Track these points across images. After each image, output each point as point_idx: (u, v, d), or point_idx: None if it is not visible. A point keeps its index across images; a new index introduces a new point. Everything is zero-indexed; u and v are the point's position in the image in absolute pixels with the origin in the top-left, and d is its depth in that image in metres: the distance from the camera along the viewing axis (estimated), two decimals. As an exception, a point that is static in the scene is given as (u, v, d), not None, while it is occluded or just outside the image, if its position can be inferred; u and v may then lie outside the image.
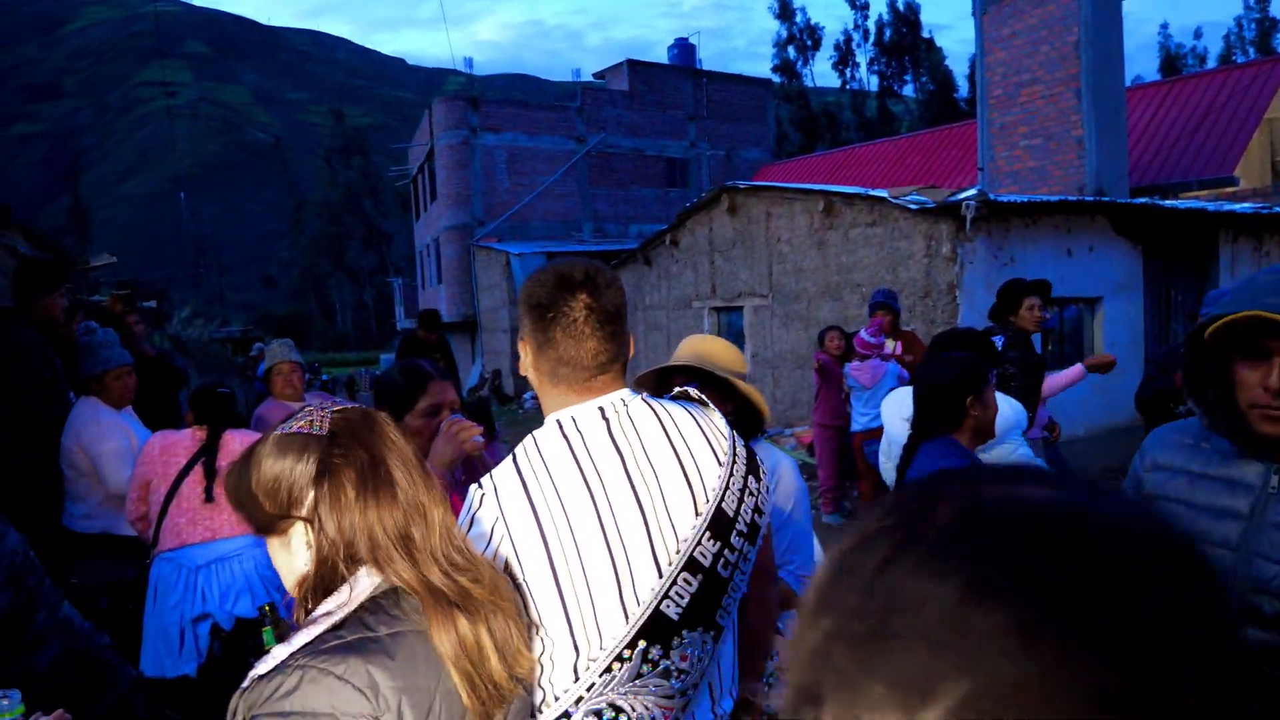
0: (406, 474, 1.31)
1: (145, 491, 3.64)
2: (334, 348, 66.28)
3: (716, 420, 1.70)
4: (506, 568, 1.53)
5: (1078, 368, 4.82)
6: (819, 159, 26.06)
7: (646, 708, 1.51)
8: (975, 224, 7.51)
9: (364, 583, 1.26)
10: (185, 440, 3.72)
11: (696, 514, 1.58)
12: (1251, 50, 57.96)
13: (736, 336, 11.67)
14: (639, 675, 1.52)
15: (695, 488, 1.60)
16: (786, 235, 9.97)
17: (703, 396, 1.77)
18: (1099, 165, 12.34)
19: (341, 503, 1.25)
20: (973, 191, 7.36)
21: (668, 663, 1.53)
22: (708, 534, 1.57)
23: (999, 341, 5.06)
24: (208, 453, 3.67)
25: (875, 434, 6.04)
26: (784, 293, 10.14)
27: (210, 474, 3.61)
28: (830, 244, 9.24)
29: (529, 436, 1.62)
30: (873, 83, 60.03)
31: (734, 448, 1.67)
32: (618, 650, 1.51)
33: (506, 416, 19.52)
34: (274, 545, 1.32)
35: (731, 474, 1.63)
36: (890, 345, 6.63)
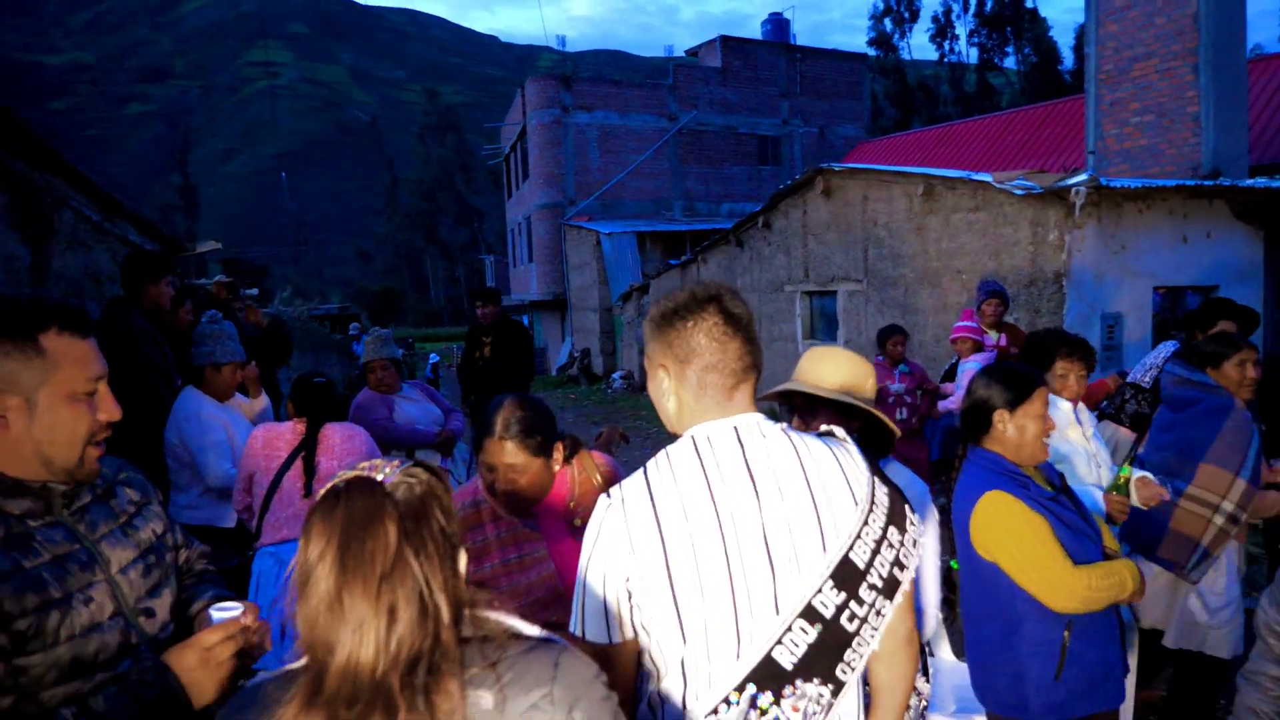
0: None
1: (249, 484, 3.69)
2: (427, 323, 67.77)
3: (857, 463, 1.64)
4: (625, 588, 1.51)
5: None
6: (915, 135, 25.41)
7: None
8: (1085, 210, 7.27)
9: None
10: (287, 434, 3.74)
11: (823, 563, 1.53)
12: (1389, 15, 53.97)
13: (829, 322, 11.56)
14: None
15: (826, 533, 1.54)
16: (884, 219, 9.81)
17: (845, 435, 1.72)
18: (1216, 143, 11.76)
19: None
20: (1083, 176, 7.11)
21: (777, 711, 1.49)
22: (830, 583, 1.52)
23: (1169, 348, 4.83)
24: (307, 447, 3.68)
25: None
26: (880, 278, 10.00)
27: (309, 469, 3.64)
28: (930, 229, 9.06)
29: (662, 452, 1.59)
30: (972, 55, 58.09)
31: (873, 495, 1.61)
32: (725, 692, 1.49)
33: (596, 396, 19.77)
34: None
35: (866, 524, 1.57)
36: (994, 337, 6.49)
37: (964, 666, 2.86)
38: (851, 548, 1.55)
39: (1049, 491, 2.57)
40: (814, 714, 1.51)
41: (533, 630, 1.24)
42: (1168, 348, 4.84)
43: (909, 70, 55.38)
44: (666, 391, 1.63)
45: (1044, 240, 7.65)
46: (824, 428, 1.74)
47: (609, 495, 1.57)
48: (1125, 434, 4.61)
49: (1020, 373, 2.60)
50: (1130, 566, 2.53)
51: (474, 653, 1.17)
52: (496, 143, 34.24)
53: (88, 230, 5.57)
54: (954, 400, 6.18)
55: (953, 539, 2.70)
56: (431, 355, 26.61)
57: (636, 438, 12.65)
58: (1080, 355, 3.51)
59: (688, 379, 1.59)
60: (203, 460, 3.88)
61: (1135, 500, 3.36)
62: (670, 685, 1.54)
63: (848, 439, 1.70)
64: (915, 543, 1.64)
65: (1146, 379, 4.74)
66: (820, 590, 1.51)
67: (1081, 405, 3.63)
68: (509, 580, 2.27)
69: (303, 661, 1.12)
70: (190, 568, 1.86)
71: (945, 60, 58.72)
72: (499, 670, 1.16)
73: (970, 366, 6.26)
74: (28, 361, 1.42)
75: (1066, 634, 2.45)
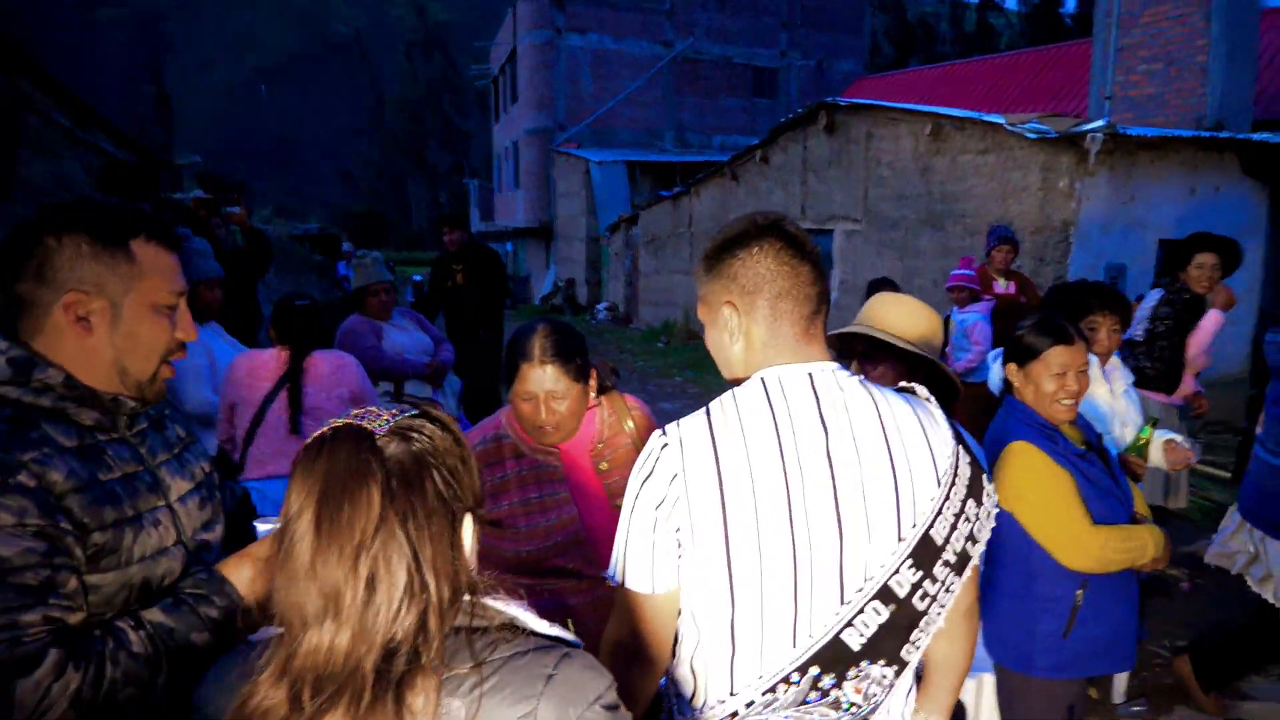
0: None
1: (230, 414, 3.51)
2: (408, 246, 66.93)
3: (942, 429, 1.48)
4: (675, 537, 1.37)
5: (1213, 313, 4.50)
6: (915, 74, 24.95)
7: None
8: (1099, 158, 7.08)
9: None
10: (270, 362, 3.52)
11: (900, 539, 1.39)
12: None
13: (824, 261, 11.37)
14: (804, 701, 1.38)
15: (904, 507, 1.39)
16: (888, 157, 9.57)
17: (928, 394, 1.56)
18: (1222, 95, 11.54)
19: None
20: (1100, 123, 6.91)
21: (839, 693, 1.39)
22: (909, 562, 1.39)
23: (1155, 296, 4.77)
24: (292, 378, 3.47)
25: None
26: (880, 219, 9.79)
27: (296, 402, 3.45)
28: (936, 170, 8.84)
29: (728, 393, 1.42)
30: (973, -7, 56.95)
31: (956, 465, 1.45)
32: (786, 672, 1.37)
33: (580, 327, 19.53)
34: None
35: (948, 498, 1.43)
36: (1004, 284, 6.35)
37: None
38: (932, 525, 1.40)
39: (1079, 448, 2.49)
40: (875, 695, 1.42)
41: (542, 626, 1.06)
42: (1154, 296, 4.75)
43: (909, 7, 54.29)
44: (735, 331, 1.45)
45: (1054, 187, 7.47)
46: (903, 384, 1.58)
47: (664, 433, 1.41)
48: (1157, 399, 4.54)
49: (1039, 329, 2.49)
50: (1154, 532, 2.46)
51: (462, 646, 1.00)
52: (485, 63, 33.35)
53: (57, 137, 5.27)
54: (969, 358, 6.04)
55: None
56: (415, 275, 26.07)
57: (624, 371, 12.53)
58: (1113, 308, 3.39)
59: (758, 311, 1.43)
60: (180, 386, 3.65)
61: (1158, 462, 3.28)
62: (714, 653, 1.40)
63: (931, 399, 1.54)
64: (990, 515, 1.50)
65: (1140, 332, 4.65)
66: (898, 571, 1.38)
67: (1114, 362, 3.52)
68: (528, 521, 2.13)
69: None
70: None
71: (945, -2, 57.56)
72: (483, 673, 0.99)
73: (971, 319, 6.13)
74: (115, 266, 1.38)
75: (1080, 593, 2.40)
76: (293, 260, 20.63)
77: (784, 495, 1.34)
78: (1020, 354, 2.51)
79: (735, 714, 1.39)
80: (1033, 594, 2.45)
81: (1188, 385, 4.35)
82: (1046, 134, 7.25)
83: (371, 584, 0.94)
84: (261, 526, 1.55)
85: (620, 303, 19.99)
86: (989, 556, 2.57)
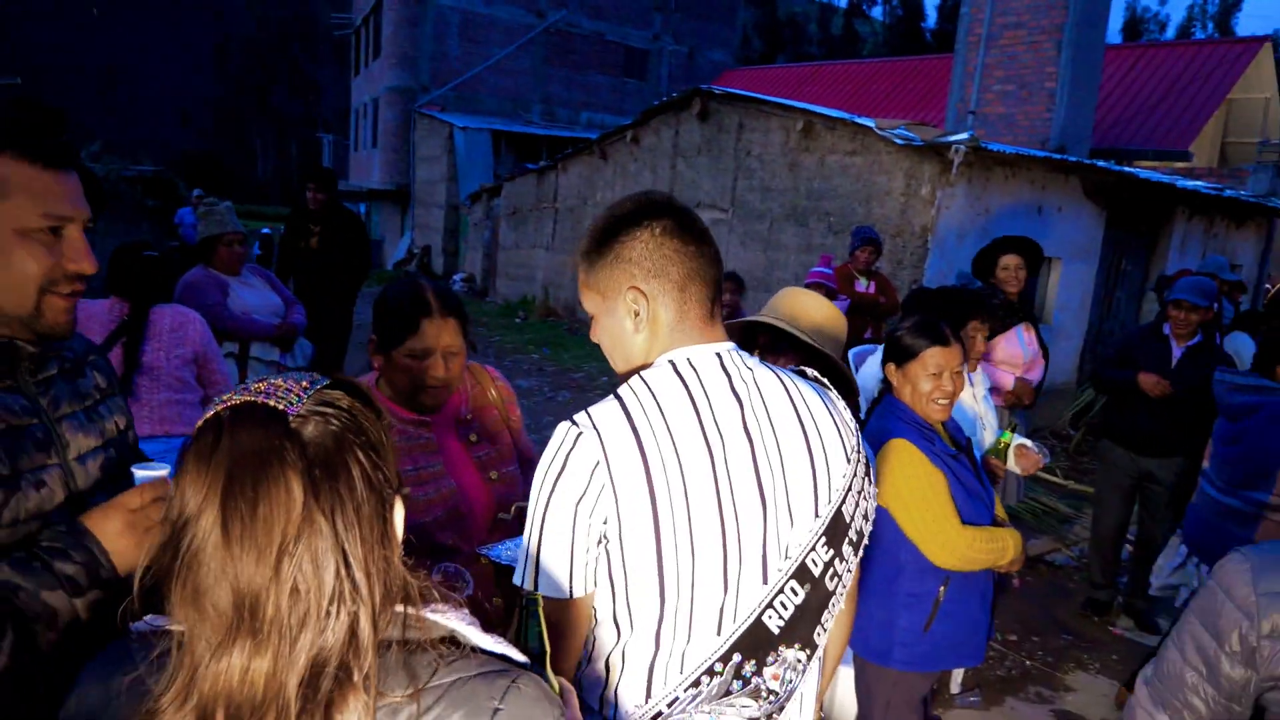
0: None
1: None
2: (251, 199, 63.26)
3: (845, 410, 1.47)
4: (600, 530, 1.26)
5: (1010, 379, 4.61)
6: (783, 70, 25.48)
7: None
8: (960, 169, 7.34)
9: None
10: (101, 314, 3.22)
11: (816, 515, 1.36)
12: (1211, 25, 58.60)
13: (688, 247, 11.40)
14: (727, 693, 1.30)
15: (820, 483, 1.36)
16: (758, 150, 9.64)
17: (824, 380, 1.52)
18: (1066, 121, 12.29)
19: None
20: (964, 136, 7.16)
21: (759, 680, 1.33)
22: (823, 539, 1.36)
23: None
24: (130, 332, 3.18)
25: None
26: (747, 210, 9.88)
27: (131, 360, 3.16)
28: (804, 166, 8.97)
29: (635, 378, 1.33)
30: (842, -1, 58.80)
31: (860, 443, 1.46)
32: (710, 663, 1.29)
33: (435, 294, 19.00)
34: None
35: (856, 473, 1.42)
36: (865, 284, 6.49)
37: None
38: (844, 500, 1.38)
39: (952, 450, 2.56)
40: (791, 681, 1.38)
41: (486, 641, 0.90)
42: None
43: (780, 4, 55.49)
44: (642, 319, 1.34)
45: (916, 194, 7.70)
46: (798, 368, 1.53)
47: (575, 422, 1.29)
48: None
49: (917, 330, 2.54)
50: (1014, 535, 2.57)
51: (395, 667, 0.84)
52: (347, 12, 31.80)
53: None
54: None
55: None
56: (263, 228, 24.43)
57: (481, 345, 12.21)
58: (987, 316, 3.49)
59: (667, 295, 1.33)
60: None
61: (1013, 466, 3.39)
62: (637, 648, 1.29)
63: (829, 385, 1.51)
64: (874, 496, 1.52)
65: None
66: (814, 548, 1.34)
67: (979, 367, 3.62)
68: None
69: (179, 626, 0.82)
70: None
71: (815, 0, 59.15)
72: (421, 702, 0.83)
73: None
74: None
75: (942, 589, 2.48)
76: (125, 205, 19.00)
77: (710, 475, 1.27)
78: (898, 354, 2.55)
79: (659, 715, 1.30)
80: (896, 589, 2.51)
81: (1005, 381, 4.49)
82: (914, 141, 7.45)
83: (295, 593, 0.79)
84: (139, 473, 1.35)
85: (478, 274, 19.52)
86: None
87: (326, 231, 6.23)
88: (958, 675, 4.02)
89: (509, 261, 17.14)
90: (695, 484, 1.26)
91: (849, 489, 1.40)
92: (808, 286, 6.48)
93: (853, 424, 1.46)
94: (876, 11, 57.97)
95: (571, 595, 1.28)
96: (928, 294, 4.05)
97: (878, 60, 24.23)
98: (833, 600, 1.40)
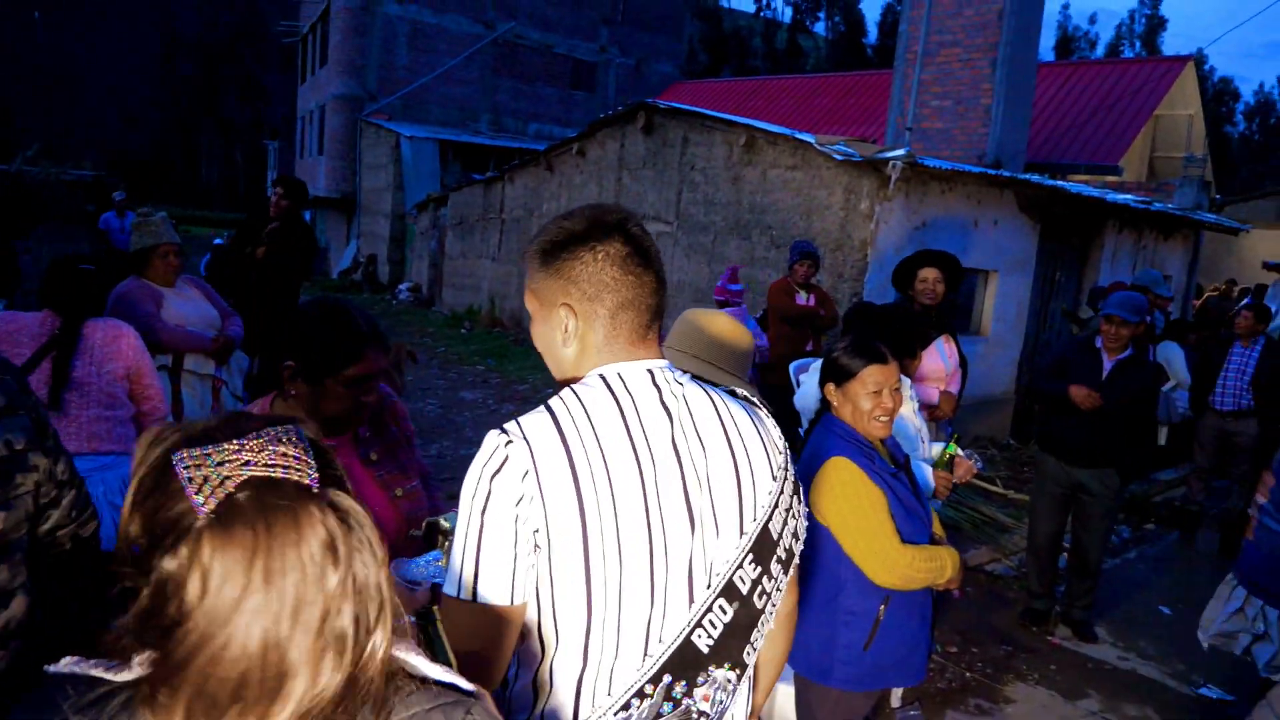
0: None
1: None
2: (196, 204, 61.88)
3: (773, 429, 1.50)
4: (534, 538, 1.26)
5: (935, 393, 4.65)
6: (729, 84, 25.70)
7: None
8: (897, 184, 7.47)
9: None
10: (32, 327, 3.14)
11: (742, 532, 1.38)
12: (1139, 44, 60.51)
13: (634, 259, 11.42)
14: (658, 716, 1.30)
15: (745, 499, 1.39)
16: (702, 164, 9.72)
17: (752, 397, 1.55)
18: (1001, 136, 12.58)
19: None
20: (901, 151, 7.29)
21: (690, 702, 1.33)
22: (750, 556, 1.37)
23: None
24: (60, 347, 3.11)
25: None
26: (691, 223, 9.94)
27: (61, 376, 3.08)
28: (746, 180, 9.05)
29: (566, 390, 1.35)
30: (787, 14, 59.49)
31: (786, 463, 1.48)
32: (640, 684, 1.28)
33: (380, 306, 18.78)
34: None
35: (783, 491, 1.45)
36: (804, 297, 6.56)
37: None
38: (770, 518, 1.39)
39: (892, 468, 2.58)
40: (721, 702, 1.38)
41: (435, 671, 0.91)
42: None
43: (725, 19, 56.02)
44: (570, 334, 1.37)
45: (855, 208, 7.81)
46: (730, 389, 1.55)
47: (504, 431, 1.29)
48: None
49: (855, 350, 2.57)
50: (952, 554, 2.59)
51: (357, 702, 0.84)
52: (295, 20, 31.38)
53: None
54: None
55: None
56: (216, 238, 23.71)
57: (423, 356, 12.08)
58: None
59: (597, 319, 1.35)
60: None
61: (956, 478, 3.46)
62: (565, 662, 1.29)
63: (759, 404, 1.54)
64: (805, 515, 1.54)
65: None
66: (741, 565, 1.35)
67: (907, 381, 3.68)
68: None
69: (131, 675, 0.80)
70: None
71: (761, 14, 59.85)
72: None
73: None
74: None
75: (882, 608, 2.48)
76: (62, 209, 18.39)
77: (639, 489, 1.28)
78: (837, 374, 2.58)
79: None
80: (837, 607, 2.50)
81: (931, 396, 4.56)
82: (852, 157, 7.57)
83: (323, 658, 0.80)
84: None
85: (424, 284, 19.33)
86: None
87: (277, 241, 6.09)
88: (898, 690, 4.05)
89: (455, 271, 17.02)
90: (623, 495, 1.27)
91: (775, 506, 1.42)
92: (717, 304, 6.77)
93: (781, 443, 1.49)
94: (820, 27, 58.80)
95: (513, 601, 1.27)
96: (869, 310, 4.11)
97: (820, 75, 24.59)
98: (762, 619, 1.40)
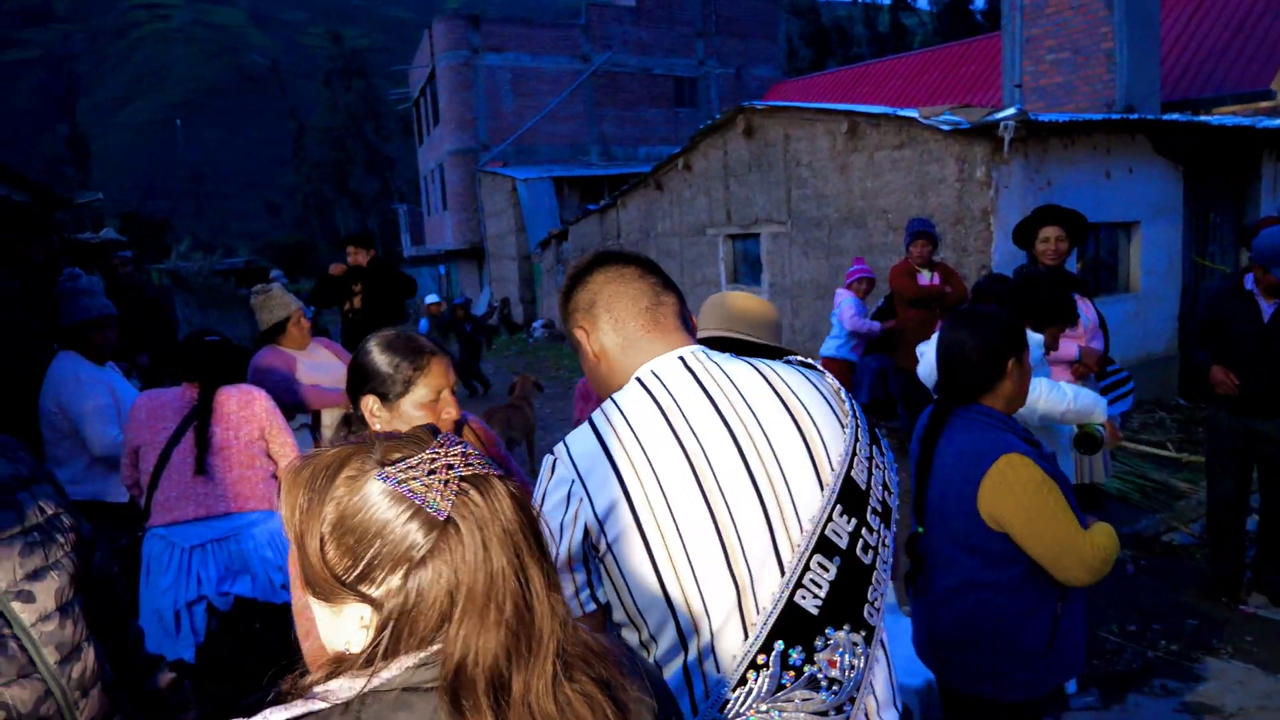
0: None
1: (135, 458, 3.29)
2: (338, 274, 65.70)
3: (830, 379, 1.49)
4: (586, 543, 1.33)
5: (1074, 346, 4.35)
6: (832, 76, 25.20)
7: None
8: (1013, 145, 7.07)
9: (386, 675, 0.86)
10: (174, 401, 3.33)
11: (821, 485, 1.35)
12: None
13: (753, 264, 11.30)
14: (780, 687, 1.26)
15: (816, 454, 1.37)
16: (807, 158, 9.51)
17: (809, 361, 1.55)
18: (1130, 80, 11.78)
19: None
20: (1011, 111, 6.89)
21: (813, 669, 1.29)
22: (839, 508, 1.34)
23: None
24: (199, 416, 3.27)
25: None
26: (803, 219, 9.73)
27: (202, 442, 3.24)
28: (854, 168, 8.79)
29: (607, 400, 1.44)
30: (885, -5, 57.96)
31: (854, 410, 1.45)
32: (751, 656, 1.26)
33: (517, 346, 19.30)
34: (318, 607, 0.94)
35: (857, 439, 1.41)
36: (928, 276, 6.29)
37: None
38: (851, 466, 1.38)
39: (1048, 449, 2.34)
40: (853, 667, 1.32)
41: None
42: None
43: (823, 11, 55.11)
44: (593, 349, 1.51)
45: (970, 177, 7.45)
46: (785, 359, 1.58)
47: (552, 451, 1.41)
48: None
49: (1009, 316, 2.37)
50: (1108, 530, 2.28)
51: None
52: (405, 87, 32.91)
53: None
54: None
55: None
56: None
57: (556, 387, 12.27)
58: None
59: (600, 321, 1.49)
60: (86, 427, 3.57)
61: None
62: (664, 652, 1.34)
63: (815, 365, 1.54)
64: (894, 465, 1.50)
65: None
66: (831, 518, 1.33)
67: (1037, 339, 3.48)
68: None
69: (342, 697, 0.85)
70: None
71: (859, 1, 58.54)
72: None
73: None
74: None
75: (1059, 604, 2.26)
76: (216, 295, 19.84)
77: (688, 472, 1.32)
78: (1018, 343, 2.33)
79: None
80: (1016, 612, 2.25)
81: (1069, 350, 4.25)
82: (959, 125, 7.23)
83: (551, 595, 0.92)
84: None
85: (556, 319, 19.76)
86: (949, 581, 2.38)
87: (369, 290, 6.43)
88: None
89: (582, 304, 17.30)
90: (672, 480, 1.31)
91: (853, 454, 1.39)
92: (849, 285, 7.13)
93: (845, 395, 1.48)
94: (922, 2, 57.05)
95: (584, 608, 1.35)
96: (1036, 279, 3.83)
97: (926, 51, 23.78)
98: (875, 575, 1.37)
